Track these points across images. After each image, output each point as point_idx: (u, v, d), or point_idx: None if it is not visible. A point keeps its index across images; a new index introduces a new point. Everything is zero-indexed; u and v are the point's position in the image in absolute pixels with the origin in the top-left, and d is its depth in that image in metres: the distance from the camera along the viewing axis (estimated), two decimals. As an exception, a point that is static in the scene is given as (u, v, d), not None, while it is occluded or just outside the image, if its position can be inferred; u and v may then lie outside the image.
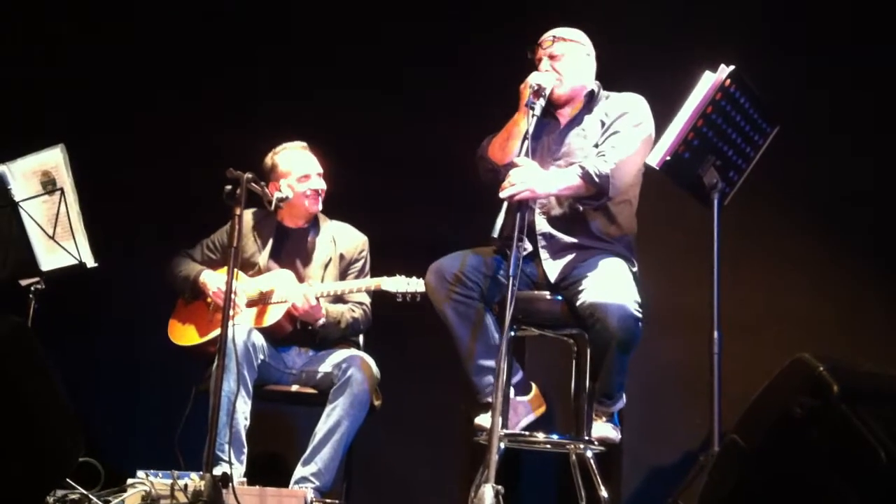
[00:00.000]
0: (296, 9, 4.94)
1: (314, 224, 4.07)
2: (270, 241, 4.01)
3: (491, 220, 3.29)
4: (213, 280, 3.89)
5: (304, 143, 4.04)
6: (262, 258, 3.97)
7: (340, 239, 4.03)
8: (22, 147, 3.80)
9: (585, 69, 3.64)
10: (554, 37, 3.61)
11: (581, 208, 3.50)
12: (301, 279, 3.92)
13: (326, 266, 3.96)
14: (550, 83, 3.49)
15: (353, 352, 3.84)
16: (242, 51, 4.90)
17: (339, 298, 3.91)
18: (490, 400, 3.43)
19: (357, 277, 3.99)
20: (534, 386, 3.66)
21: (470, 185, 3.77)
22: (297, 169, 3.97)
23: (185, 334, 3.93)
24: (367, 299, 3.97)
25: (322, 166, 4.03)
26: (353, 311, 3.92)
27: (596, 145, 3.52)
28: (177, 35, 4.86)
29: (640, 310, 3.28)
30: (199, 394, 3.68)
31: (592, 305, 3.27)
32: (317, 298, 3.78)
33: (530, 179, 3.33)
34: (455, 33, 4.74)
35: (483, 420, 3.46)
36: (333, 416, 3.65)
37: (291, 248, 4.02)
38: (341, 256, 4.00)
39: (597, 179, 3.39)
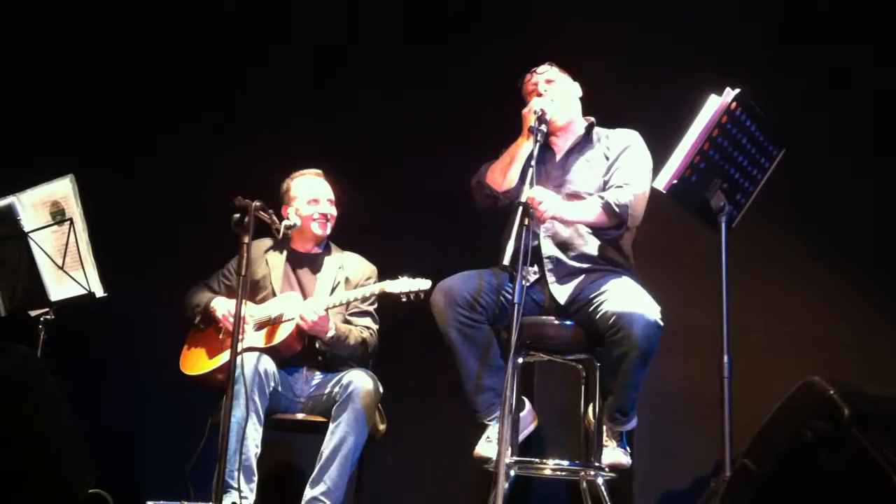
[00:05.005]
0: (307, 35, 4.98)
1: (326, 251, 4.11)
2: (281, 266, 4.04)
3: (494, 247, 3.29)
4: (221, 305, 3.91)
5: (319, 171, 4.13)
6: (274, 280, 3.99)
7: (348, 265, 4.08)
8: (32, 178, 3.83)
9: (576, 102, 3.72)
10: (550, 63, 3.70)
11: (586, 234, 3.52)
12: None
13: (333, 290, 3.98)
14: (552, 108, 3.52)
15: (354, 370, 3.83)
16: (249, 80, 4.93)
17: (345, 320, 3.93)
18: (488, 420, 3.44)
19: (362, 305, 3.99)
20: (526, 401, 3.64)
21: (474, 213, 3.78)
22: (307, 193, 4.05)
23: (195, 363, 3.93)
24: (374, 325, 3.98)
25: (335, 194, 4.09)
26: (362, 332, 3.93)
27: (605, 182, 3.57)
28: (187, 63, 4.91)
29: (661, 319, 3.29)
30: (214, 426, 3.64)
31: (616, 315, 3.28)
32: (325, 310, 3.79)
33: (552, 202, 3.35)
34: (454, 59, 4.78)
35: (482, 449, 3.44)
36: (338, 433, 3.64)
37: (301, 273, 4.05)
38: (347, 280, 4.02)
39: (617, 210, 3.45)
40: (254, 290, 3.97)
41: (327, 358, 3.87)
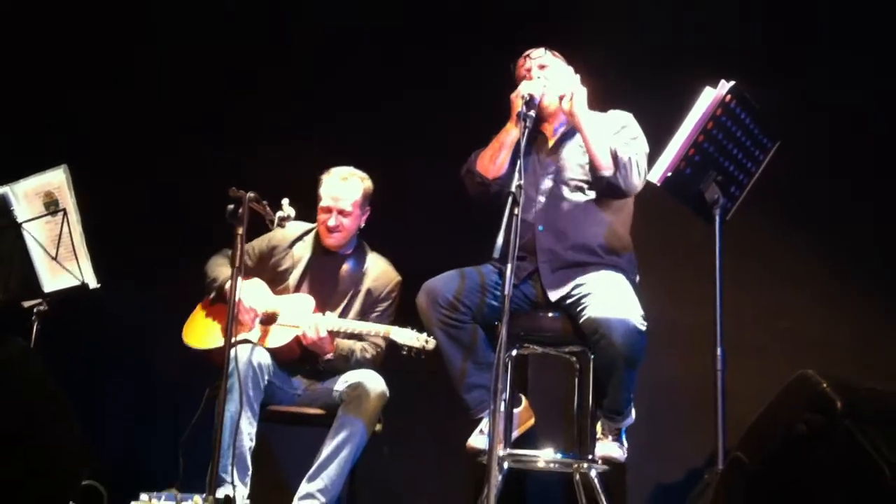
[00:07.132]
0: (307, 34, 4.96)
1: (355, 252, 4.02)
2: (306, 259, 3.98)
3: (490, 243, 3.27)
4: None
5: (347, 173, 3.96)
6: (294, 275, 3.94)
7: (373, 274, 3.96)
8: (25, 168, 3.81)
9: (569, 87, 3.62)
10: (545, 48, 3.65)
11: (582, 220, 3.51)
12: (322, 306, 3.84)
13: (352, 298, 3.91)
14: (541, 92, 3.47)
15: (363, 370, 3.78)
16: (250, 79, 4.92)
17: (355, 334, 3.84)
18: (481, 416, 3.44)
19: (380, 318, 3.88)
20: (523, 398, 3.65)
21: (471, 206, 3.77)
22: (323, 198, 3.93)
23: (195, 334, 3.87)
24: (383, 343, 3.85)
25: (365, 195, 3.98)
26: (366, 350, 3.85)
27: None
28: (189, 60, 4.88)
29: (644, 322, 3.27)
30: (210, 399, 3.60)
31: (596, 322, 3.26)
32: (329, 332, 3.73)
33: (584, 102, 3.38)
34: (454, 59, 4.76)
35: (475, 441, 3.44)
36: (342, 432, 3.62)
37: (324, 271, 3.96)
38: (368, 292, 3.92)
39: (621, 159, 3.41)
40: (274, 279, 3.92)
41: (323, 370, 3.83)
